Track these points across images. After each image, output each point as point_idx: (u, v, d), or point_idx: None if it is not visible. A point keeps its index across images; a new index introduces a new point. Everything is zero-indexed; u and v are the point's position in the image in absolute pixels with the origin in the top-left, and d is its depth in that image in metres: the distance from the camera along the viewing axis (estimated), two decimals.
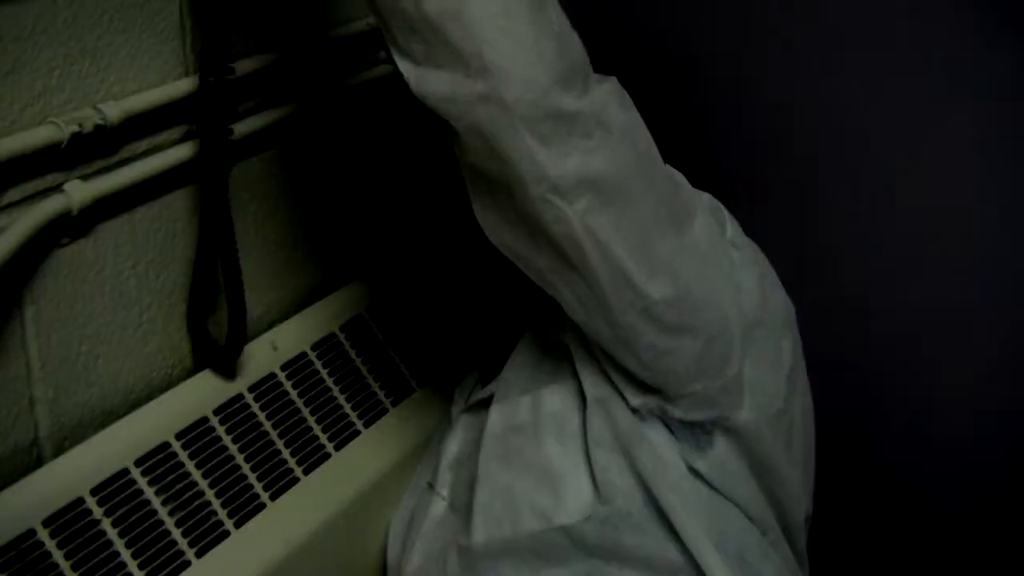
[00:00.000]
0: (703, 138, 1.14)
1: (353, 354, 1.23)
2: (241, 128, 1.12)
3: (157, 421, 1.04)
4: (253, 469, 1.09)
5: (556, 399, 0.96)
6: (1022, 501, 1.09)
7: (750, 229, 1.15)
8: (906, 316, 1.09)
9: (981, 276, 1.05)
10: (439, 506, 1.07)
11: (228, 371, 1.08)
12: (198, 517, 1.03)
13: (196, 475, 1.04)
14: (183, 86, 1.05)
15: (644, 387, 0.90)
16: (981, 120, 1.01)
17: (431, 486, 1.09)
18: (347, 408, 1.19)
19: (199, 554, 1.01)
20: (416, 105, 0.84)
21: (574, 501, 0.91)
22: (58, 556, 0.93)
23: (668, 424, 0.91)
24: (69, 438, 1.02)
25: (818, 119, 1.08)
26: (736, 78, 1.11)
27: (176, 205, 1.09)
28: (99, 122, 0.96)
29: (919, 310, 1.08)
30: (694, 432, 0.91)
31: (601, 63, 1.17)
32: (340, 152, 1.30)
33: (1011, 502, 1.10)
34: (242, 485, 1.07)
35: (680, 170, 1.12)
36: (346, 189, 1.32)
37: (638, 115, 0.87)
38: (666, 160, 1.11)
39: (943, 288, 1.07)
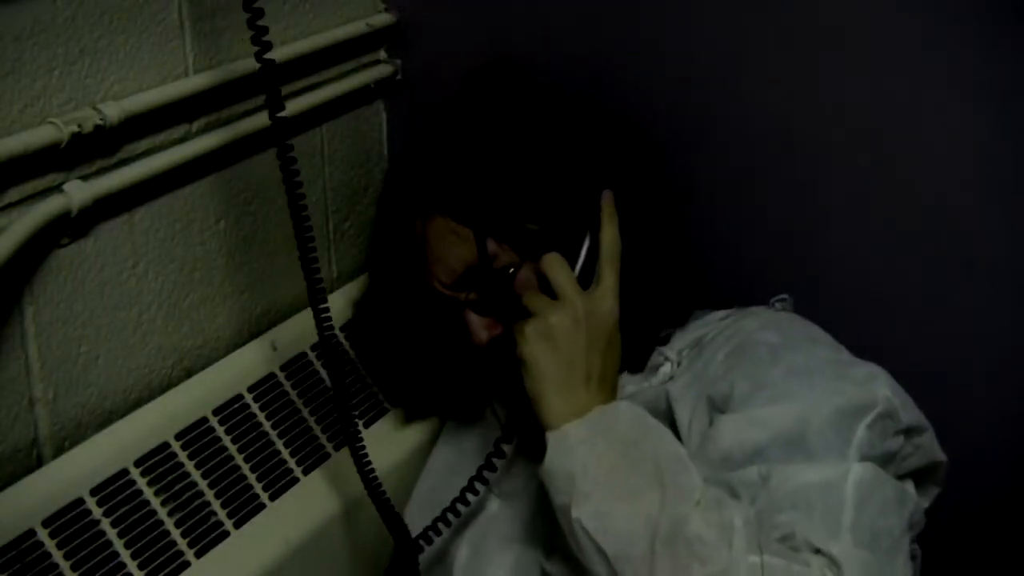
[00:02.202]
0: (702, 139, 1.14)
1: (353, 354, 1.23)
2: (243, 127, 1.12)
3: (157, 421, 1.04)
4: (252, 469, 1.08)
5: None
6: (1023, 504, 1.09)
7: (748, 231, 1.15)
8: (905, 318, 1.09)
9: (982, 277, 1.05)
10: (492, 502, 1.08)
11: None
12: (197, 517, 1.03)
13: (195, 475, 1.04)
14: (183, 86, 1.05)
15: None
16: (981, 120, 1.01)
17: (485, 485, 1.09)
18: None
19: (199, 554, 1.01)
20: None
21: None
22: (58, 556, 0.93)
23: None
24: (69, 438, 1.02)
25: (817, 119, 1.08)
26: (735, 78, 1.11)
27: (176, 205, 1.09)
28: (99, 122, 0.96)
29: (918, 311, 1.08)
30: None
31: (600, 64, 1.17)
32: (341, 152, 1.30)
33: (1013, 505, 1.10)
34: (241, 485, 1.07)
35: (679, 172, 1.12)
36: (346, 189, 1.32)
37: None
38: (667, 160, 1.11)
39: (942, 289, 1.06)
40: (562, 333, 0.91)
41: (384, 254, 1.11)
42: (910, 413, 0.92)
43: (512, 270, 0.98)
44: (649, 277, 1.02)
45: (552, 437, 0.90)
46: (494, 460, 0.99)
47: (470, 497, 1.02)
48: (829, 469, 0.86)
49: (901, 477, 0.93)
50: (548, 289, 0.94)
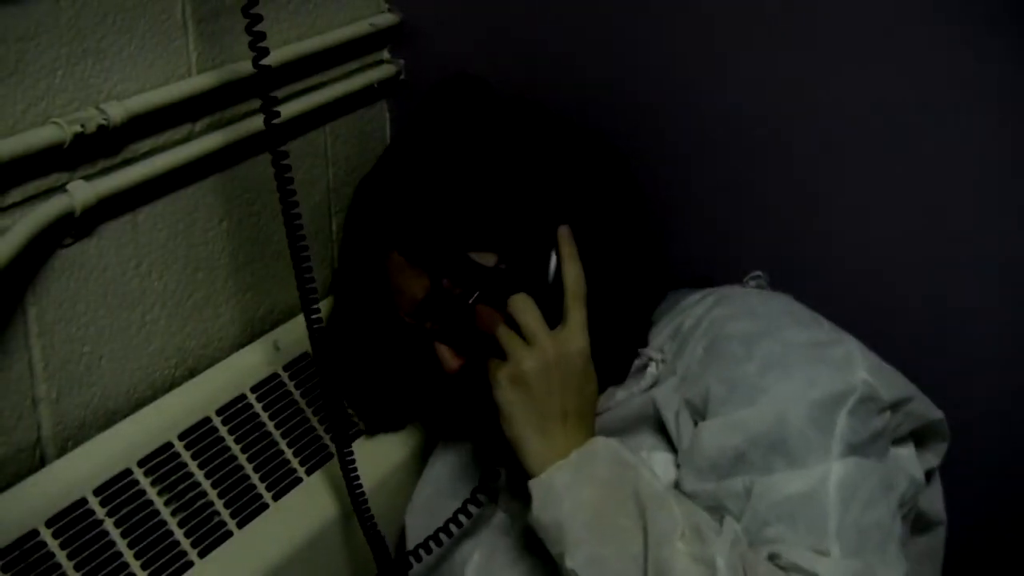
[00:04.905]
0: (701, 139, 1.14)
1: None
2: (246, 127, 1.12)
3: (160, 422, 1.04)
4: (256, 469, 1.09)
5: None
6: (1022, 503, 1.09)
7: (748, 231, 1.15)
8: (905, 318, 1.09)
9: (981, 277, 1.05)
10: (500, 517, 1.07)
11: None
12: (201, 517, 1.03)
13: (199, 475, 1.04)
14: (186, 86, 1.05)
15: None
16: (981, 119, 1.01)
17: (492, 501, 1.09)
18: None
19: (202, 554, 1.01)
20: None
21: None
22: (61, 556, 0.93)
23: None
24: (72, 438, 1.02)
25: (817, 119, 1.08)
26: (734, 78, 1.11)
27: (179, 205, 1.09)
28: (102, 122, 0.96)
29: (918, 312, 1.08)
30: None
31: (603, 63, 1.17)
32: (344, 152, 1.30)
33: (1013, 505, 1.09)
34: (245, 485, 1.07)
35: (679, 172, 1.12)
36: (350, 189, 1.32)
37: None
38: (665, 161, 1.11)
39: (942, 290, 1.06)
40: (535, 378, 0.91)
41: (351, 282, 1.09)
42: (893, 388, 0.92)
43: (472, 300, 0.97)
44: (619, 302, 1.01)
45: (536, 487, 0.90)
46: (479, 496, 1.00)
47: (453, 528, 1.02)
48: (810, 474, 0.86)
49: (898, 441, 0.93)
50: (516, 327, 0.93)
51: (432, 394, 1.13)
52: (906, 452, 0.94)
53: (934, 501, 1.00)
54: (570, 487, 0.89)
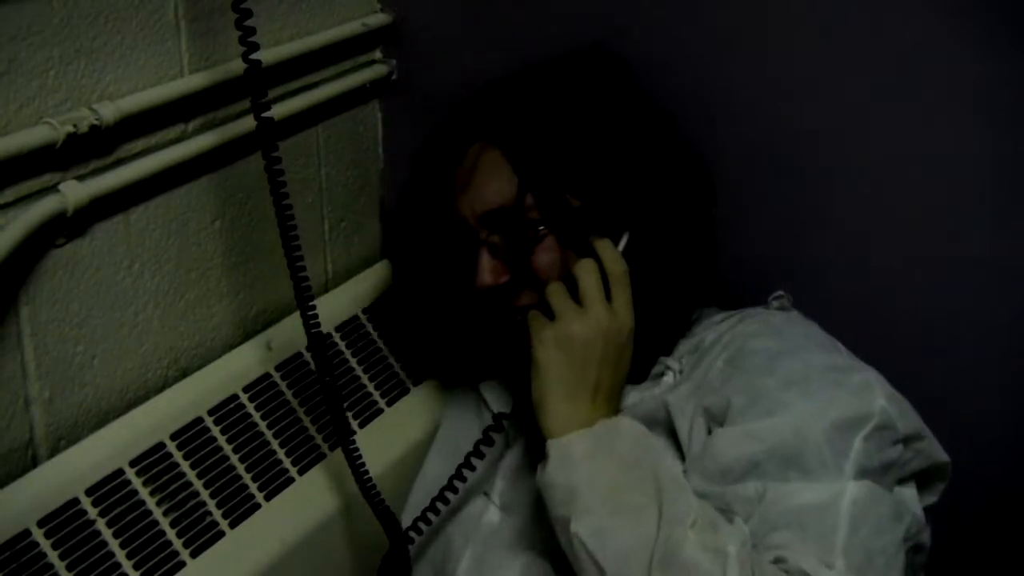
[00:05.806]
0: (700, 140, 1.14)
1: (349, 354, 1.23)
2: (238, 127, 1.12)
3: (152, 421, 1.04)
4: (248, 469, 1.09)
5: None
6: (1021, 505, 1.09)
7: (746, 232, 1.15)
8: (904, 318, 1.09)
9: (981, 278, 1.05)
10: (494, 513, 1.07)
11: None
12: (193, 517, 1.03)
13: (191, 475, 1.04)
14: (178, 86, 1.05)
15: None
16: (980, 120, 1.01)
17: (486, 495, 1.09)
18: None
19: (194, 554, 1.01)
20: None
21: None
22: (53, 556, 0.93)
23: None
24: (64, 438, 1.02)
25: (816, 120, 1.08)
26: (733, 78, 1.11)
27: (172, 205, 1.09)
28: (94, 122, 0.96)
29: (917, 313, 1.08)
30: None
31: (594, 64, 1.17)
32: (337, 152, 1.30)
33: (1013, 506, 1.10)
34: (237, 485, 1.07)
35: (677, 173, 1.12)
36: (342, 189, 1.32)
37: None
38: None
39: (941, 291, 1.07)
40: (580, 344, 0.91)
41: (429, 166, 1.10)
42: (908, 421, 0.93)
43: (542, 228, 0.98)
44: (667, 300, 1.03)
45: (554, 448, 0.90)
46: (481, 447, 0.99)
47: (458, 484, 1.02)
48: (824, 489, 0.87)
49: (903, 479, 0.94)
50: (568, 279, 0.94)
51: (458, 305, 1.11)
52: (908, 492, 0.94)
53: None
54: (588, 457, 0.88)
